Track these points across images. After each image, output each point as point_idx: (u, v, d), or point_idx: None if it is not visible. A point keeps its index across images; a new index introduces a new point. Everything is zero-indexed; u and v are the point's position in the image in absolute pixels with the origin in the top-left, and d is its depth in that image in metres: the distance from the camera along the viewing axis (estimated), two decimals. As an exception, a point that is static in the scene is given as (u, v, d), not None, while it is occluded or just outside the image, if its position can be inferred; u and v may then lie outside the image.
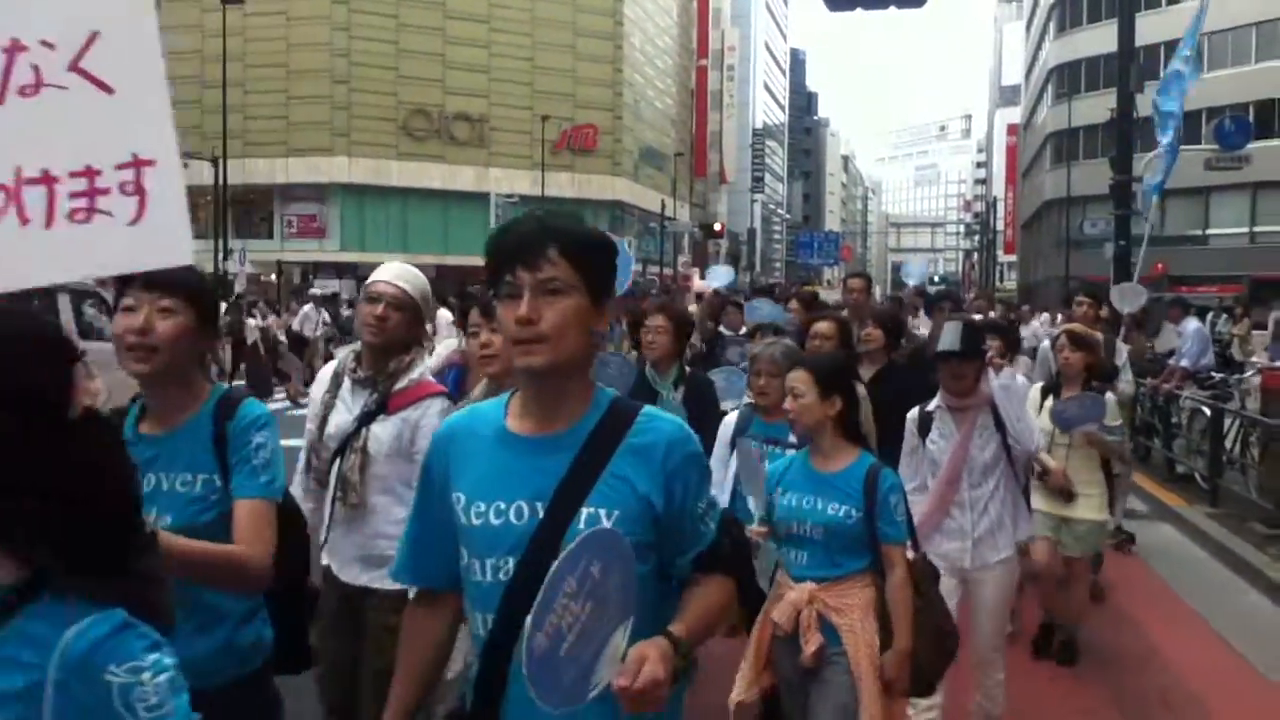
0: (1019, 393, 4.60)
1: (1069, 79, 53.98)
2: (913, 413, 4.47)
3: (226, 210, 38.83)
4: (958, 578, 4.26)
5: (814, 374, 3.46)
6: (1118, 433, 5.38)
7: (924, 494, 4.34)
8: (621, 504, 1.79)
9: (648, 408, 1.92)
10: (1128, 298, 9.85)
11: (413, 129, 54.26)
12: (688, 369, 5.41)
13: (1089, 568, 5.96)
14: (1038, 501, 5.33)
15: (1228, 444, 9.90)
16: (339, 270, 49.51)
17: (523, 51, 56.72)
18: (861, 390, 3.74)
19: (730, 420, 4.38)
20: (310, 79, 51.80)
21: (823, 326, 5.13)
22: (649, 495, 1.81)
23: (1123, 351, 7.46)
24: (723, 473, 4.11)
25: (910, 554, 3.45)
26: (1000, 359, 5.50)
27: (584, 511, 1.77)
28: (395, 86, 53.46)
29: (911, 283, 9.36)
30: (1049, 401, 5.67)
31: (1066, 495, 5.45)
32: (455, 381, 4.53)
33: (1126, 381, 7.43)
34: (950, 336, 4.22)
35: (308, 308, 21.93)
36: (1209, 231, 43.53)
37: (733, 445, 4.14)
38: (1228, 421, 9.97)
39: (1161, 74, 14.77)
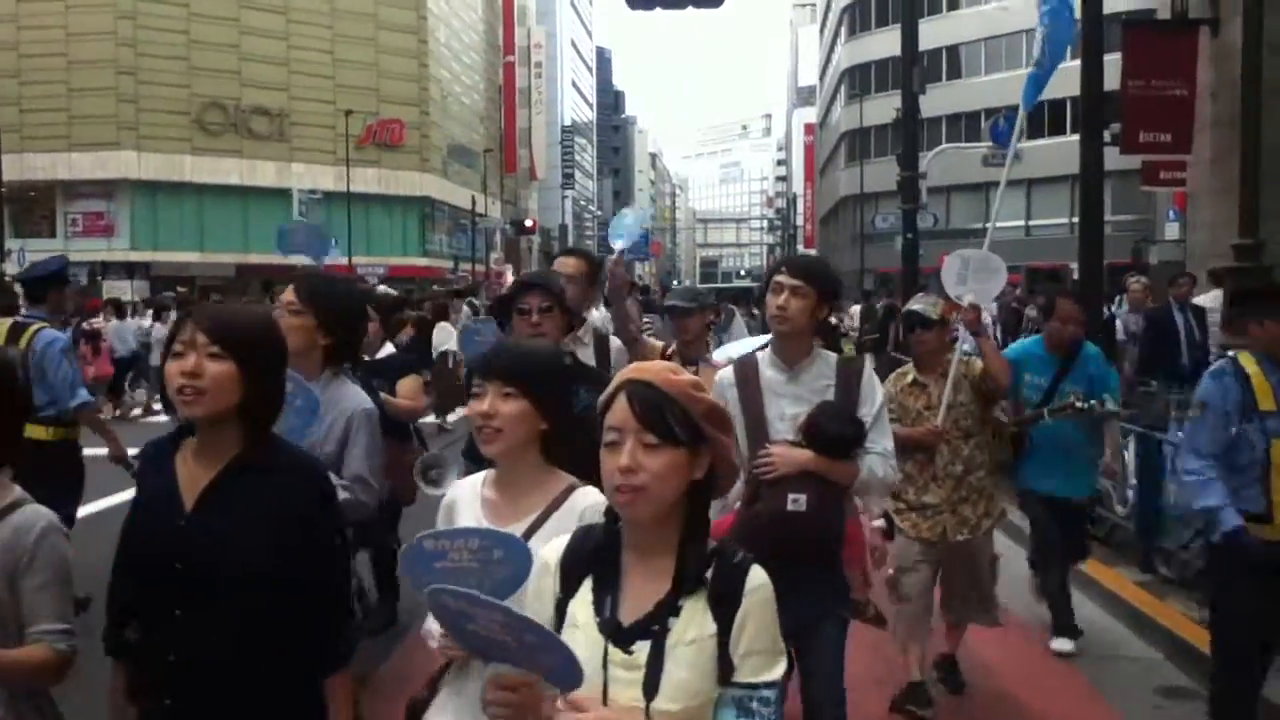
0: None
1: (860, 80, 56.49)
2: None
3: (2, 208, 36.34)
4: None
5: None
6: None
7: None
8: None
9: None
10: (976, 276, 5.14)
11: (207, 123, 52.05)
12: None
13: None
14: None
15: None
16: (130, 270, 47.09)
17: (322, 44, 55.20)
18: None
19: None
20: (93, 70, 49.02)
21: None
22: None
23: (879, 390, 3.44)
24: None
25: None
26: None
27: None
28: (187, 78, 51.17)
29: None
30: None
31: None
32: None
33: (880, 453, 3.28)
34: None
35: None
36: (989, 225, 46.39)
37: None
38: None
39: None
